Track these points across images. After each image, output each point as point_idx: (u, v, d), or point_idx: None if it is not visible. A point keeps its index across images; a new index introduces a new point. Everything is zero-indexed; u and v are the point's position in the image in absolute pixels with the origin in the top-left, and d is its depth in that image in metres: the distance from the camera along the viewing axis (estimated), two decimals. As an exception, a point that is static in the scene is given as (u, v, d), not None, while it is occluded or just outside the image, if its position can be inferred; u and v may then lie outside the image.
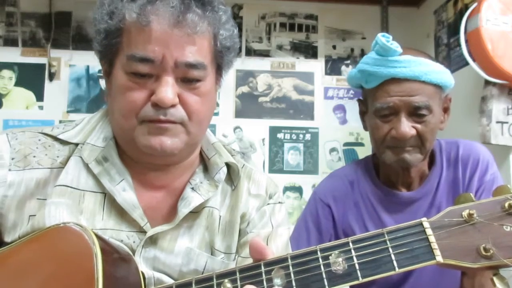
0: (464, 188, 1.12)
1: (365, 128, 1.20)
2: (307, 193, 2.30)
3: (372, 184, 1.18)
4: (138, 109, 0.71)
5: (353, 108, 2.23)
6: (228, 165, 0.84)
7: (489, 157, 1.14)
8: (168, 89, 0.70)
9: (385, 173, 1.17)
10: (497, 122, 1.58)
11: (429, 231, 0.58)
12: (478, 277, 0.77)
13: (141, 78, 0.71)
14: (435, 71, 1.05)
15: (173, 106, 0.71)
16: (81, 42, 2.30)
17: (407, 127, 1.04)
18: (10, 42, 2.30)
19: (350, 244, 0.59)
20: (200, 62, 0.72)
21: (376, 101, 1.07)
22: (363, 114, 1.20)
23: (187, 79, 0.72)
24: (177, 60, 0.70)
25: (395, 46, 1.05)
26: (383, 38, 1.06)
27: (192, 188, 0.80)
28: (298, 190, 2.32)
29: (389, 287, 1.14)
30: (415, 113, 1.04)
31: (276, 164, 2.34)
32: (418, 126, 1.05)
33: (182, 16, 0.69)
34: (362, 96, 1.19)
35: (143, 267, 0.74)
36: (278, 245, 0.84)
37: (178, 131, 0.73)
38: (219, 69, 0.81)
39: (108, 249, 0.65)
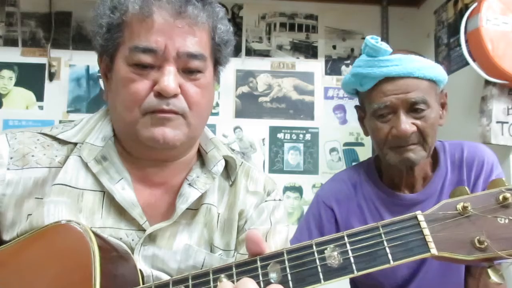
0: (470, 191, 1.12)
1: (366, 133, 1.19)
2: (307, 193, 2.31)
3: (375, 186, 1.18)
4: (141, 100, 0.72)
5: (353, 108, 2.23)
6: (225, 160, 0.84)
7: (494, 159, 1.13)
8: (170, 78, 0.71)
9: (388, 175, 1.17)
10: (497, 122, 1.59)
11: (423, 224, 0.58)
12: (483, 277, 0.77)
13: (143, 69, 0.72)
14: (427, 66, 1.05)
15: (175, 96, 0.72)
16: (81, 42, 2.30)
17: (407, 124, 1.03)
18: (10, 42, 2.30)
19: (345, 238, 0.59)
20: (201, 53, 0.74)
21: (373, 103, 1.07)
22: (362, 119, 1.19)
23: (188, 69, 0.74)
24: (179, 50, 0.72)
25: (385, 46, 1.06)
26: (371, 39, 1.06)
27: (189, 184, 0.80)
28: (298, 190, 2.32)
29: (395, 288, 1.14)
30: (413, 109, 1.04)
31: (276, 164, 2.34)
32: (418, 122, 1.05)
33: (184, 8, 0.72)
34: (359, 101, 1.19)
35: (142, 265, 0.74)
36: (277, 242, 0.85)
37: (180, 123, 0.74)
38: (217, 64, 0.83)
39: (106, 247, 0.66)
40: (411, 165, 1.09)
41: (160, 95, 0.71)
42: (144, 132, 0.73)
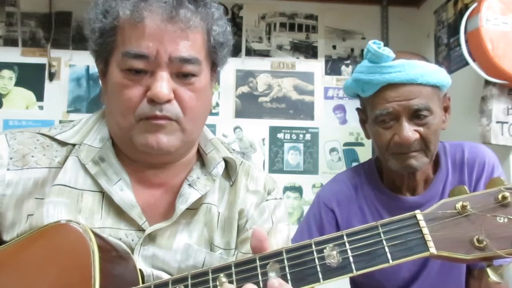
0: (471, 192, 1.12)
1: (367, 136, 1.18)
2: (307, 193, 2.31)
3: (376, 189, 1.17)
4: (135, 106, 0.72)
5: (353, 108, 2.23)
6: (226, 161, 0.84)
7: (495, 160, 1.13)
8: (163, 84, 0.70)
9: (389, 178, 1.16)
10: (497, 122, 1.58)
11: (422, 223, 0.58)
12: (484, 278, 0.77)
13: (136, 75, 0.71)
14: (430, 71, 1.04)
15: (168, 101, 0.72)
16: (81, 42, 2.30)
17: (409, 131, 1.02)
18: (10, 42, 2.30)
19: (345, 237, 0.59)
20: (194, 57, 0.73)
21: (375, 109, 1.06)
22: (363, 122, 1.18)
23: (181, 74, 0.73)
24: (171, 55, 0.71)
25: (387, 52, 1.04)
26: (374, 45, 1.04)
27: (189, 185, 0.80)
28: (298, 190, 2.32)
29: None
30: (415, 116, 1.03)
31: (276, 164, 2.34)
32: (421, 129, 1.03)
33: (175, 12, 0.70)
34: (361, 105, 1.18)
35: (142, 265, 0.74)
36: (279, 241, 0.84)
37: (174, 129, 0.73)
38: (214, 66, 0.82)
39: (106, 247, 0.66)
40: (413, 171, 1.09)
41: (153, 101, 0.70)
42: (138, 139, 0.73)
